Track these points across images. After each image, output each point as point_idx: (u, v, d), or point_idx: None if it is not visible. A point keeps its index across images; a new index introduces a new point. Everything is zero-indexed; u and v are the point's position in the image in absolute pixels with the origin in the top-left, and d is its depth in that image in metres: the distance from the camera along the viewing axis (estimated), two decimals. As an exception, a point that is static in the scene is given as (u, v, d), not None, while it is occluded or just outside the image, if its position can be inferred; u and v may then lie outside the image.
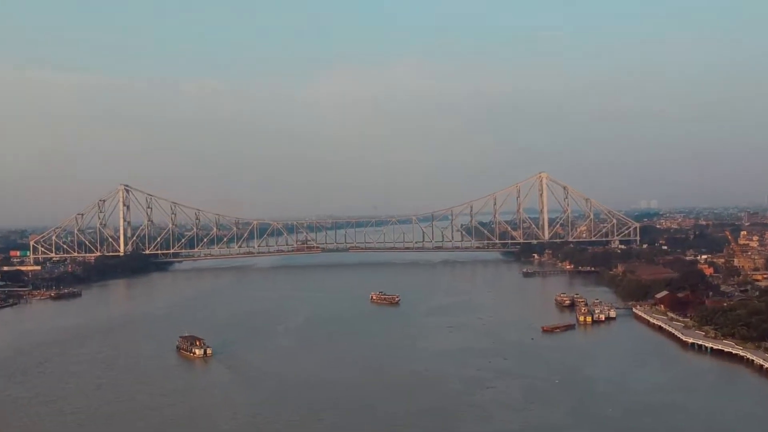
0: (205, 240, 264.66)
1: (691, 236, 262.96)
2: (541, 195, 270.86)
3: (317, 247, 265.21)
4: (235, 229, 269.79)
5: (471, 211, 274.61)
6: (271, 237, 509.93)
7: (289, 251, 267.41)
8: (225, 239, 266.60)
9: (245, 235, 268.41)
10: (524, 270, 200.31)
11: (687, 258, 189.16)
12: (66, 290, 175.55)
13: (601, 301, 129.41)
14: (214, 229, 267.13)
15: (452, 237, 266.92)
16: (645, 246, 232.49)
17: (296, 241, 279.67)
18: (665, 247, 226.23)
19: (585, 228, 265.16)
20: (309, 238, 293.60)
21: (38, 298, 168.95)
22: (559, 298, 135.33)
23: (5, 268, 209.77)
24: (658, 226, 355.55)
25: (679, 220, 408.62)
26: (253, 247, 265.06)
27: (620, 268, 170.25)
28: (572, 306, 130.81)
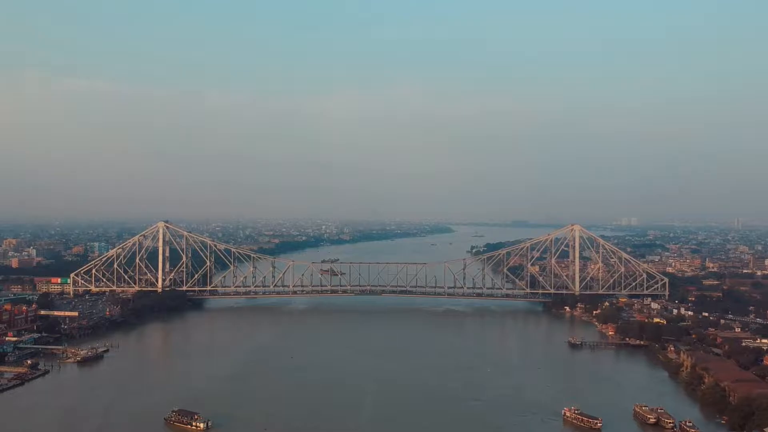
0: (242, 279, 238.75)
1: (720, 295, 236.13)
2: (573, 247, 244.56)
3: (350, 291, 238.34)
4: (272, 268, 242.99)
5: (505, 258, 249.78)
6: (296, 252, 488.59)
7: (322, 291, 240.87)
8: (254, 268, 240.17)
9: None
10: (570, 339, 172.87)
11: (741, 338, 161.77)
12: (94, 350, 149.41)
13: (693, 424, 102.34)
14: (250, 267, 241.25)
15: (483, 283, 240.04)
16: (686, 311, 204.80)
17: (321, 270, 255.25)
18: (706, 314, 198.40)
19: (614, 281, 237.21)
20: (335, 269, 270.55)
21: (71, 360, 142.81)
22: (640, 411, 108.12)
23: (42, 312, 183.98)
24: (669, 269, 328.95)
25: (688, 261, 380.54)
26: (288, 286, 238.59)
27: (683, 357, 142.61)
28: (657, 424, 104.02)
